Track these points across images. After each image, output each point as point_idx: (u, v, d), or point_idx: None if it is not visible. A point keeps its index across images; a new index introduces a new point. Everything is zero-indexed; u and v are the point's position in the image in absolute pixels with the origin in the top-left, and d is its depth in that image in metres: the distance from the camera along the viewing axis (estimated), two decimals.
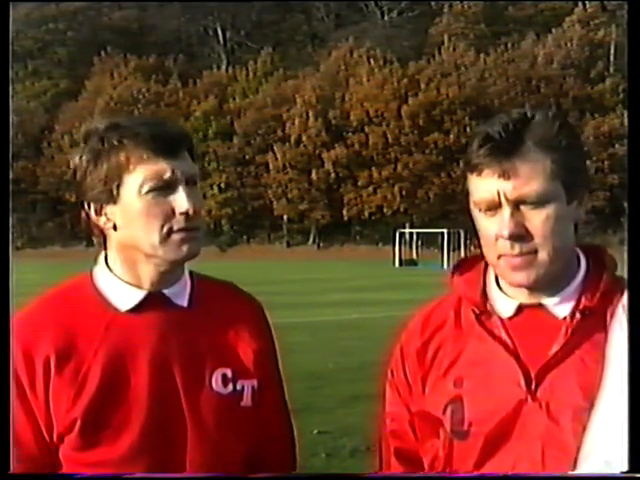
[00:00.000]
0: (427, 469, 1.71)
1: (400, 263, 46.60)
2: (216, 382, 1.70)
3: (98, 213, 1.67)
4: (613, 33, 62.84)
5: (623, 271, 1.55)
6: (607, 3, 66.41)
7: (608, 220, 50.77)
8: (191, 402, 1.67)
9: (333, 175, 62.87)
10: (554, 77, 62.77)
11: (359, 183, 62.79)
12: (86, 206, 1.68)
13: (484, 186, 1.58)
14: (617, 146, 56.47)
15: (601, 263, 1.67)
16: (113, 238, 1.69)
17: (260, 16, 76.87)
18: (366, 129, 63.15)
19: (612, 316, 1.52)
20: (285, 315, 17.29)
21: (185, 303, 1.71)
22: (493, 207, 1.58)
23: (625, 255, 1.44)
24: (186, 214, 1.63)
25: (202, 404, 1.68)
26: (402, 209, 61.44)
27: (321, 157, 62.97)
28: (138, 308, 1.68)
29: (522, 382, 1.59)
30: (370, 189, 62.29)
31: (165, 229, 1.64)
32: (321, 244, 64.52)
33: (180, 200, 1.63)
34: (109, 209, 1.66)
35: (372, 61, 65.75)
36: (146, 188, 1.62)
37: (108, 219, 1.67)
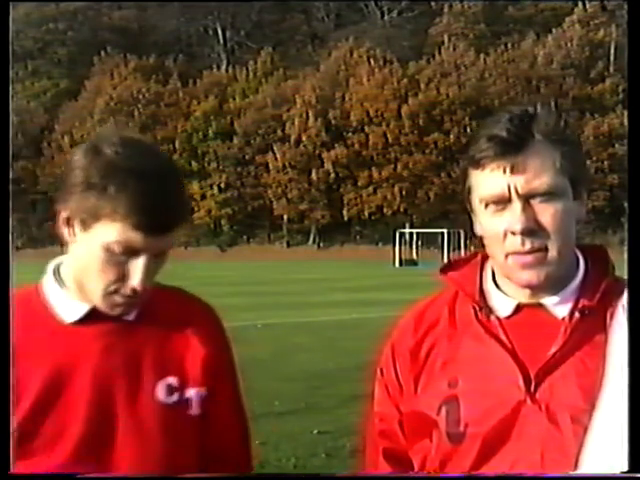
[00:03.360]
0: (417, 470, 1.68)
1: (400, 263, 46.62)
2: (160, 392, 1.66)
3: (67, 224, 1.60)
4: (613, 33, 62.84)
5: (623, 271, 1.54)
6: (607, 3, 66.40)
7: (608, 220, 50.77)
8: (131, 412, 1.63)
9: (333, 175, 62.87)
10: (554, 77, 62.77)
11: (359, 183, 62.80)
12: (60, 207, 1.59)
13: (493, 181, 1.56)
14: (617, 146, 56.49)
15: (601, 263, 1.66)
16: (73, 250, 1.63)
17: (260, 16, 76.88)
18: (366, 129, 63.16)
19: (612, 316, 1.50)
20: (285, 315, 17.29)
21: (131, 317, 1.66)
22: (502, 202, 1.56)
23: (625, 255, 1.43)
24: (133, 290, 1.58)
25: (144, 414, 1.64)
26: (402, 209, 61.44)
27: (321, 157, 62.97)
28: (83, 321, 1.63)
29: (521, 383, 1.56)
30: (370, 189, 62.30)
31: (111, 288, 1.58)
32: (321, 244, 64.51)
33: (136, 275, 1.57)
34: (77, 230, 1.59)
35: (372, 61, 65.76)
36: (110, 246, 1.55)
37: (73, 236, 1.60)
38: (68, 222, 1.59)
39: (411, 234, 51.60)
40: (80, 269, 1.61)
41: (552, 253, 1.56)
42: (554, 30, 66.11)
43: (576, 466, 1.40)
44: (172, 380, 1.67)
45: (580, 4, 66.99)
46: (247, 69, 71.15)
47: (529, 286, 1.60)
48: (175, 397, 1.67)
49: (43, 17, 75.33)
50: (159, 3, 76.17)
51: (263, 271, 38.45)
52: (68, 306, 1.63)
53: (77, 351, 1.61)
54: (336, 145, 63.04)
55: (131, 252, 1.55)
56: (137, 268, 1.56)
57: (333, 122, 63.84)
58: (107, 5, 78.34)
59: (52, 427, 1.59)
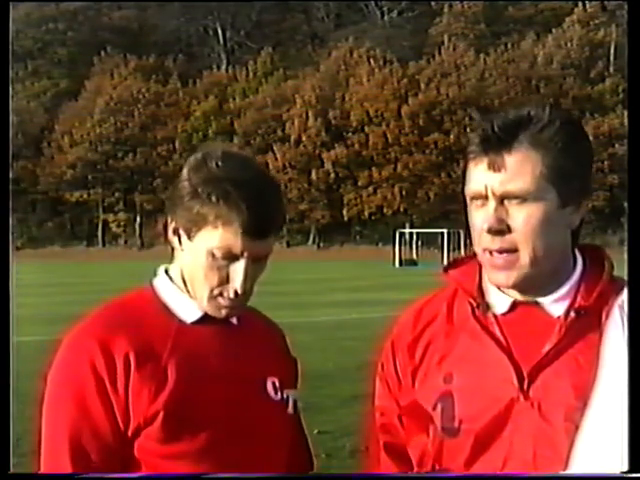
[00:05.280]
0: (415, 465, 1.70)
1: (400, 263, 46.59)
2: (269, 389, 1.81)
3: (175, 233, 1.74)
4: (613, 33, 62.83)
5: (623, 271, 1.54)
6: (607, 3, 66.39)
7: (608, 220, 50.78)
8: (254, 405, 1.77)
9: (333, 175, 62.87)
10: (554, 77, 62.77)
11: (359, 183, 62.80)
12: (168, 218, 1.74)
13: (475, 177, 1.59)
14: (617, 146, 56.46)
15: (598, 263, 1.66)
16: (181, 257, 1.77)
17: (260, 16, 76.85)
18: (366, 129, 63.16)
19: (607, 316, 1.49)
20: (285, 315, 17.28)
21: (235, 321, 1.80)
22: (481, 199, 1.58)
23: (625, 255, 1.43)
24: (235, 292, 1.70)
25: (262, 407, 1.78)
26: (402, 209, 61.44)
27: (321, 157, 62.97)
28: (200, 321, 1.77)
29: (514, 380, 1.57)
30: (370, 189, 62.30)
31: (215, 292, 1.72)
32: (321, 244, 64.51)
33: (237, 278, 1.69)
34: (184, 239, 1.73)
35: (372, 61, 65.76)
36: (213, 252, 1.68)
37: (180, 244, 1.74)
38: (175, 232, 1.73)
39: (411, 234, 51.58)
40: (188, 275, 1.75)
41: (523, 257, 1.57)
42: (554, 30, 66.11)
43: (567, 463, 1.40)
44: (275, 380, 1.82)
45: (580, 4, 66.97)
46: (247, 69, 71.14)
47: (499, 286, 1.63)
48: (279, 396, 1.82)
49: (43, 17, 75.31)
50: (159, 3, 76.15)
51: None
52: (186, 307, 1.76)
53: (200, 346, 1.75)
54: (336, 145, 63.03)
55: (232, 257, 1.68)
56: (238, 272, 1.69)
57: (333, 122, 63.83)
58: (107, 5, 78.31)
59: (193, 414, 1.70)
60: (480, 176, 1.57)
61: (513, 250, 1.57)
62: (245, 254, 1.67)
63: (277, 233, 1.73)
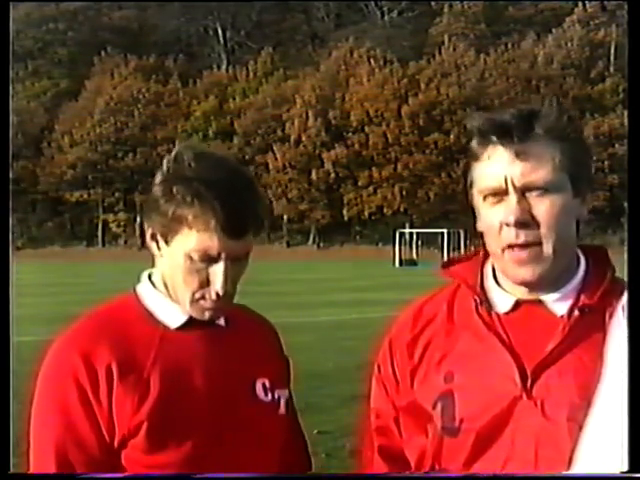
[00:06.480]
0: (414, 466, 1.68)
1: (400, 263, 46.61)
2: (259, 390, 1.79)
3: (152, 239, 1.72)
4: (613, 33, 62.86)
5: (623, 271, 1.53)
6: (607, 3, 66.41)
7: (608, 220, 50.73)
8: (242, 408, 1.75)
9: (333, 175, 62.86)
10: (554, 77, 62.78)
11: (359, 183, 62.79)
12: (145, 224, 1.72)
13: (491, 172, 1.57)
14: (617, 146, 56.46)
15: (601, 263, 1.66)
16: (160, 263, 1.75)
17: (260, 16, 76.85)
18: (366, 129, 63.14)
19: (611, 316, 1.49)
20: (285, 315, 17.29)
21: (223, 322, 1.78)
22: (499, 194, 1.57)
23: (625, 255, 1.43)
24: (217, 294, 1.68)
25: (251, 410, 1.76)
26: (402, 209, 61.43)
27: (321, 157, 62.95)
28: (185, 325, 1.74)
29: (517, 379, 1.56)
30: (370, 189, 62.28)
31: (197, 295, 1.69)
32: (321, 244, 64.49)
33: (217, 280, 1.67)
34: (161, 244, 1.71)
35: (372, 61, 65.76)
36: (190, 255, 1.66)
37: (159, 250, 1.72)
38: (153, 237, 1.72)
39: (411, 234, 51.59)
40: (169, 279, 1.73)
41: (547, 249, 1.56)
42: (554, 30, 66.14)
43: (570, 463, 1.39)
44: (265, 380, 1.80)
45: (580, 4, 66.99)
46: (247, 69, 71.13)
47: (524, 283, 1.60)
48: (269, 397, 1.79)
49: (43, 17, 75.27)
50: (159, 3, 76.14)
51: (263, 271, 38.48)
52: (170, 313, 1.74)
53: (185, 352, 1.73)
54: (336, 145, 63.01)
55: (210, 259, 1.66)
56: (218, 274, 1.66)
57: (333, 122, 63.81)
58: (107, 5, 78.28)
59: (179, 421, 1.68)
60: (498, 171, 1.56)
61: (537, 243, 1.56)
62: (223, 255, 1.65)
63: (256, 231, 1.69)
